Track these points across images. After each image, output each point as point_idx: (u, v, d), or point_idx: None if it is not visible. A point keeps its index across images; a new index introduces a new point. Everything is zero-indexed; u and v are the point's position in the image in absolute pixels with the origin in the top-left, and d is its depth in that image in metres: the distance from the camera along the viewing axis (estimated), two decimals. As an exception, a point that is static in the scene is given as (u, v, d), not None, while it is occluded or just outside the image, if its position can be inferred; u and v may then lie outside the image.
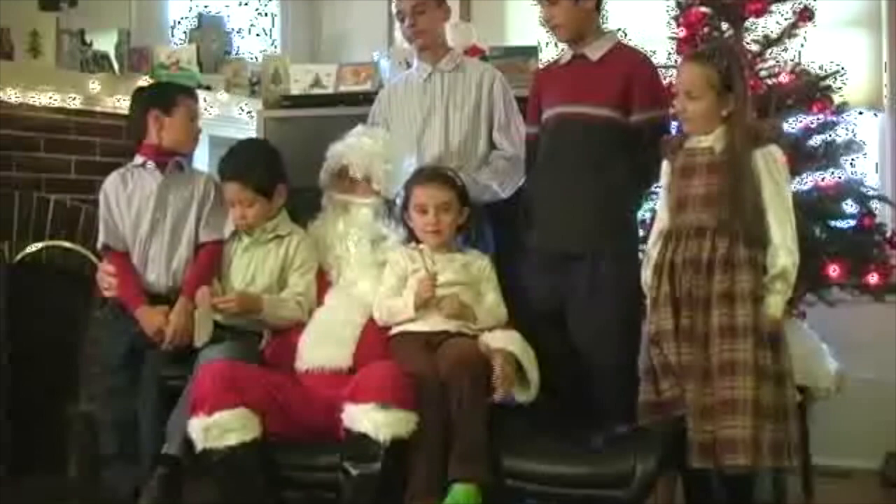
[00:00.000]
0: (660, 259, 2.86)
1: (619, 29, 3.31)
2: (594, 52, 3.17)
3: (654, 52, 3.43)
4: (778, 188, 2.79)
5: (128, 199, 3.14)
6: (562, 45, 3.31)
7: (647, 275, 2.91)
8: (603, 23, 3.24)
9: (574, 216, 3.09)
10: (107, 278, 3.13)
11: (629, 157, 3.09)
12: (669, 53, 3.87)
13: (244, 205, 3.10)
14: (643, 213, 3.66)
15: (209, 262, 3.13)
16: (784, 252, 2.75)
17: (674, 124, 3.13)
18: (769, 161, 2.79)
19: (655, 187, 3.45)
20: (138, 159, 3.18)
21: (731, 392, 2.69)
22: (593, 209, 3.08)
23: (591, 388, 3.03)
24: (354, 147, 3.18)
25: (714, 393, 2.72)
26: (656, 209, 3.01)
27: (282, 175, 3.17)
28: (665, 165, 2.93)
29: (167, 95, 3.22)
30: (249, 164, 3.14)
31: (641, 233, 3.56)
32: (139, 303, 3.07)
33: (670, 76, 3.42)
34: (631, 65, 3.13)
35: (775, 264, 2.76)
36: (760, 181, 2.77)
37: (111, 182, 3.18)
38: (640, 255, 3.36)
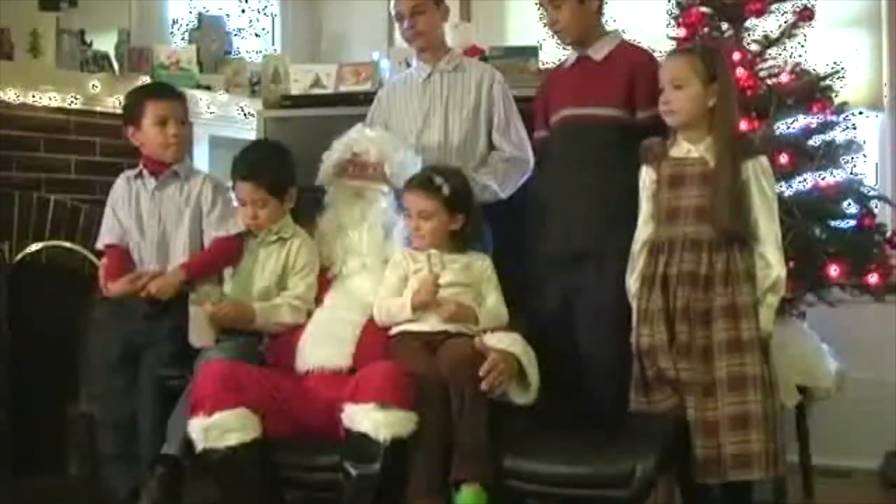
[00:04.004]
0: (650, 271, 2.84)
1: (622, 29, 3.31)
2: (598, 52, 3.17)
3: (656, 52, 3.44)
4: (767, 200, 2.81)
5: (129, 205, 3.15)
6: (565, 48, 3.30)
7: (631, 283, 2.90)
8: (605, 23, 3.24)
9: (585, 216, 3.09)
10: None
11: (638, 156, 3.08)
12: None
13: (256, 205, 3.08)
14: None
15: (215, 252, 3.10)
16: (777, 263, 2.78)
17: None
18: (759, 172, 2.81)
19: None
20: (139, 168, 3.18)
21: (743, 407, 2.71)
22: (604, 208, 3.07)
23: (594, 384, 3.04)
24: (366, 134, 3.18)
25: (719, 407, 2.72)
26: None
27: (293, 178, 3.15)
28: (647, 172, 2.90)
29: (134, 106, 3.16)
30: (263, 165, 3.11)
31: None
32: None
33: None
34: (634, 62, 3.13)
35: (768, 276, 2.78)
36: (750, 192, 2.78)
37: (118, 185, 3.19)
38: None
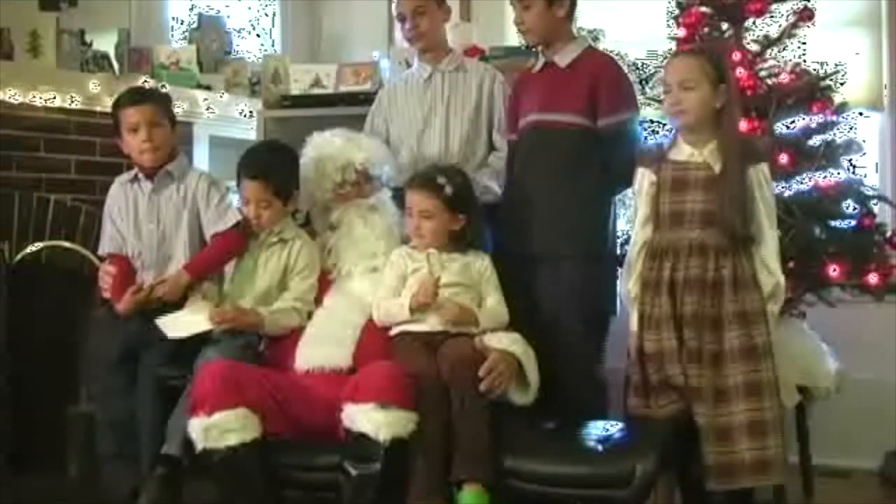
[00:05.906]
0: (653, 275, 2.83)
1: (593, 31, 3.32)
2: (563, 58, 3.20)
3: (655, 53, 3.44)
4: (769, 207, 2.82)
5: (126, 211, 3.16)
6: (531, 48, 3.33)
7: (629, 287, 2.89)
8: (576, 29, 3.29)
9: (548, 221, 3.11)
10: (107, 278, 3.14)
11: (601, 162, 3.10)
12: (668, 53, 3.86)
13: (260, 205, 3.08)
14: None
15: (215, 248, 3.10)
16: (778, 270, 2.79)
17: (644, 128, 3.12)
18: (761, 179, 2.82)
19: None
20: (134, 172, 3.19)
21: (760, 414, 2.71)
22: (566, 214, 3.10)
23: (558, 388, 3.04)
24: (369, 146, 3.18)
25: (733, 413, 2.72)
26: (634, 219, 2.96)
27: (299, 181, 3.15)
28: (645, 174, 2.89)
29: (113, 117, 3.19)
30: (273, 166, 3.11)
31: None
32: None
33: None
34: (596, 69, 3.15)
35: (769, 283, 2.79)
36: (754, 198, 2.78)
37: (113, 191, 3.21)
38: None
